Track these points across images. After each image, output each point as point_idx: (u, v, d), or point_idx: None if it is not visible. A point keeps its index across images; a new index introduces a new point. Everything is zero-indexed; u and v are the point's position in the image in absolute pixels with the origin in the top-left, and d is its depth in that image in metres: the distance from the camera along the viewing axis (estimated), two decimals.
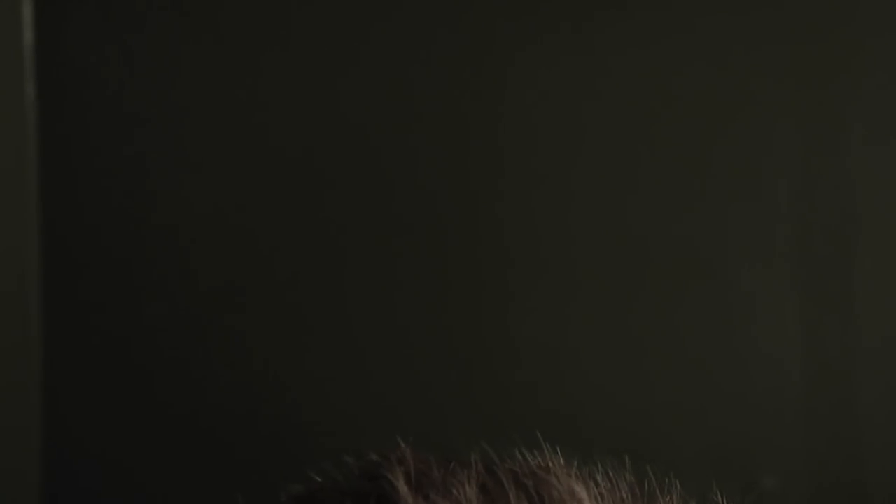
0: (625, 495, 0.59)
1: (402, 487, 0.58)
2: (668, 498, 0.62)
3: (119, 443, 1.17)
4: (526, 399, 1.10)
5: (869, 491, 1.07)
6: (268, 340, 1.15)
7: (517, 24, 1.10)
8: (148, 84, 1.16)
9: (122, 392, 1.18)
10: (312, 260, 1.14)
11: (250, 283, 1.15)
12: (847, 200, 1.06)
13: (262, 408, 1.14)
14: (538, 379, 1.10)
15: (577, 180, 1.10)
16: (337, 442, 1.12)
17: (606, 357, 1.09)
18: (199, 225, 1.16)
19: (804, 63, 1.06)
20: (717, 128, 1.08)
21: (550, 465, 0.60)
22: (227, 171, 1.15)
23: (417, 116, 1.12)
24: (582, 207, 1.09)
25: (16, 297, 1.18)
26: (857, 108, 1.06)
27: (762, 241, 1.07)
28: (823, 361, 1.06)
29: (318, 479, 0.67)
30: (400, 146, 1.13)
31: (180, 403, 1.16)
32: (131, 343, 1.17)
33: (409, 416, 1.11)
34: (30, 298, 1.18)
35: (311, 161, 1.14)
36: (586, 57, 1.09)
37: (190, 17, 1.16)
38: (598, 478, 0.60)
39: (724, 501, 0.60)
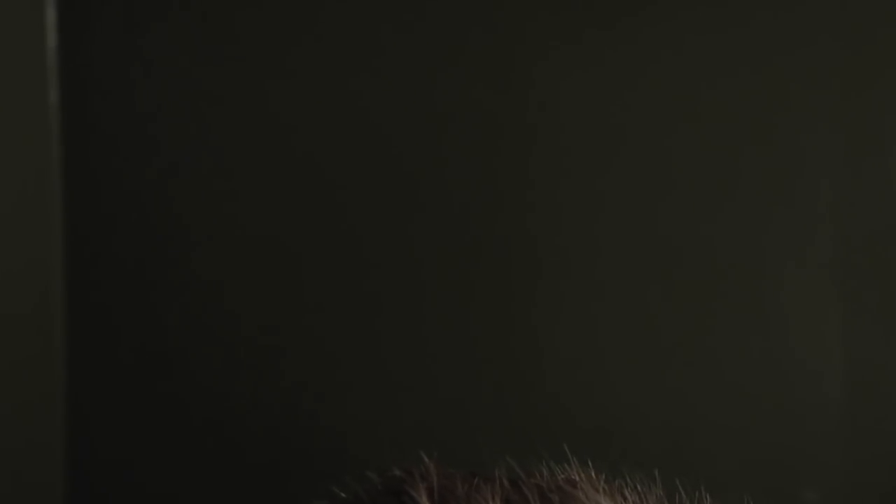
0: None
1: (425, 503, 0.59)
2: None
3: (142, 455, 1.18)
4: (555, 411, 1.10)
5: None
6: (292, 352, 1.15)
7: (546, 26, 1.10)
8: (171, 88, 1.17)
9: (145, 404, 1.18)
10: (337, 269, 1.14)
11: (275, 292, 1.15)
12: (889, 205, 1.05)
13: (287, 421, 1.14)
14: (567, 391, 1.10)
15: (608, 185, 1.09)
16: (362, 455, 1.12)
17: (638, 368, 1.09)
18: (224, 232, 1.16)
19: (845, 65, 1.06)
20: (754, 131, 1.08)
21: (577, 479, 0.60)
22: (252, 177, 1.15)
23: (443, 121, 1.13)
24: (613, 214, 1.09)
25: (39, 304, 1.18)
26: None
27: (801, 248, 1.07)
28: (865, 372, 1.06)
29: (342, 494, 0.67)
30: (425, 153, 1.13)
31: (203, 417, 1.16)
32: (154, 355, 1.18)
33: (435, 429, 1.11)
34: (52, 304, 1.18)
35: (337, 167, 1.14)
36: (619, 59, 1.09)
37: (212, 21, 1.16)
38: (627, 492, 0.60)
39: None
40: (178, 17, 1.17)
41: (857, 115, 1.06)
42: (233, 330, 1.16)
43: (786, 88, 1.07)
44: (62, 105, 1.20)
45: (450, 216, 1.12)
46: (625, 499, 0.60)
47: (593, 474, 0.62)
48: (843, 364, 1.06)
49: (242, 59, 1.16)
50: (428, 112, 1.12)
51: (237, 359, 1.16)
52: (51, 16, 1.19)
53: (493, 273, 1.11)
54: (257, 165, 1.16)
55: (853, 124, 1.06)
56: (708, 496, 0.62)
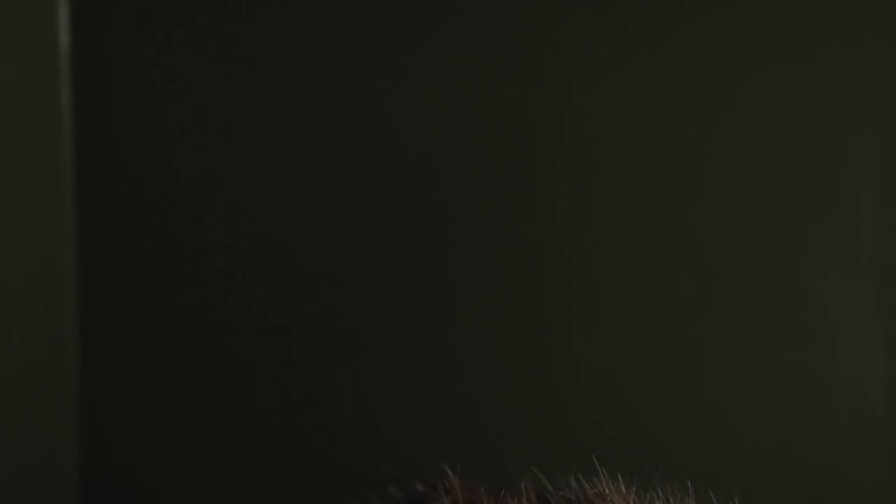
0: None
1: None
2: None
3: (155, 463, 1.18)
4: (584, 422, 1.09)
5: None
6: (313, 360, 1.15)
7: (578, 27, 1.10)
8: (185, 90, 1.17)
9: (158, 411, 1.18)
10: (361, 277, 1.14)
11: (296, 300, 1.15)
12: None
13: (307, 433, 1.14)
14: (597, 401, 1.09)
15: (643, 193, 1.09)
16: (385, 467, 1.12)
17: (672, 378, 1.08)
18: (241, 236, 1.16)
19: (885, 66, 1.05)
20: (792, 134, 1.07)
21: (607, 492, 0.60)
22: (270, 179, 1.15)
23: (472, 124, 1.12)
24: (648, 222, 1.09)
25: (52, 307, 1.19)
26: None
27: (842, 256, 1.06)
28: None
29: None
30: (454, 158, 1.12)
31: (220, 429, 1.16)
32: (168, 361, 1.17)
33: (461, 440, 1.10)
34: (66, 307, 1.18)
35: (360, 170, 1.14)
36: (653, 63, 1.08)
37: (228, 21, 1.16)
38: None
39: None
40: (191, 17, 1.17)
41: None
42: (251, 338, 1.16)
43: (825, 92, 1.06)
44: (75, 106, 1.20)
45: (480, 226, 1.11)
46: None
47: (623, 487, 0.61)
48: (886, 377, 1.05)
49: (258, 59, 1.15)
50: (457, 115, 1.12)
51: (255, 369, 1.16)
52: (64, 16, 1.20)
53: (523, 282, 1.11)
54: (275, 167, 1.15)
55: (895, 129, 1.05)
56: None
